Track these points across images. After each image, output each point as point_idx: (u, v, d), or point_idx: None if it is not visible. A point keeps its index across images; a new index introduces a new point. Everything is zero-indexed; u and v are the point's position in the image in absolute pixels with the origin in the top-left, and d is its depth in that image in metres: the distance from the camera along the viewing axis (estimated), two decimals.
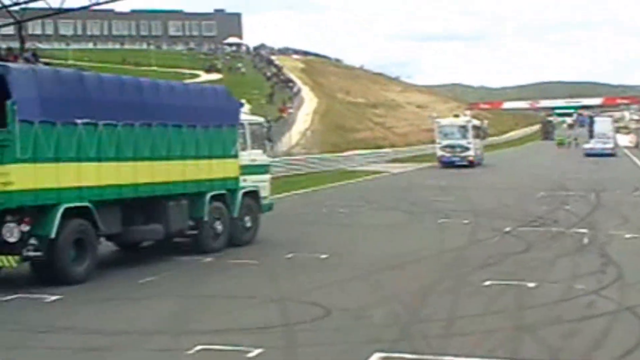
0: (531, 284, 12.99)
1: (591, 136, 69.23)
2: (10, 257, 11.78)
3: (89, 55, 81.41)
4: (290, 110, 73.38)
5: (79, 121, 12.68)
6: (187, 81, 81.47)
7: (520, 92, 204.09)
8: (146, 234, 14.85)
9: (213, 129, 15.94)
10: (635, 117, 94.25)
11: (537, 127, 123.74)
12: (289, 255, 16.23)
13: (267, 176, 18.53)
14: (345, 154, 54.88)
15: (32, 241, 11.90)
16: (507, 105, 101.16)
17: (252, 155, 17.59)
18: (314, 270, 14.71)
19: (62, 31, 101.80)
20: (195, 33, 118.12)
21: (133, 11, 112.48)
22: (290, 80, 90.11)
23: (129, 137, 13.70)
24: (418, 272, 14.61)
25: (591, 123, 74.47)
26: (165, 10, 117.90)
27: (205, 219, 15.65)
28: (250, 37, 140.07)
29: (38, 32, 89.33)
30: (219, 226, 16.19)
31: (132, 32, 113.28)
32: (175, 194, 14.95)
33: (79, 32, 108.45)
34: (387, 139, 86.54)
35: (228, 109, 16.64)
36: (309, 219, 23.19)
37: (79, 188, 12.70)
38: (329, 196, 30.84)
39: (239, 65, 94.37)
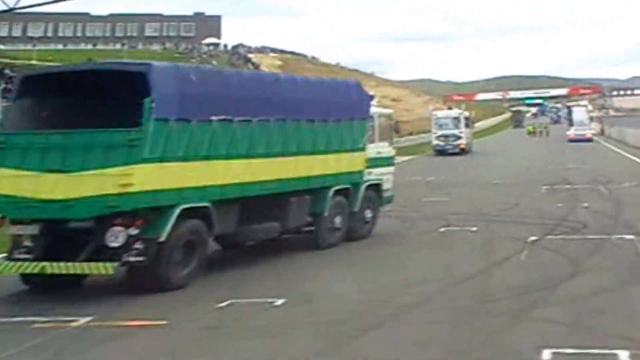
0: (624, 354, 7.29)
1: (571, 124, 68.34)
2: (107, 265, 10.16)
3: (54, 56, 75.27)
4: None
5: (214, 118, 11.54)
6: None
7: (484, 85, 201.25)
8: (260, 232, 13.33)
9: (344, 123, 14.68)
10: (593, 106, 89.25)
11: (504, 116, 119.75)
12: (222, 304, 10.07)
13: (391, 168, 17.10)
14: None
15: (137, 245, 10.44)
16: (480, 96, 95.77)
17: (378, 148, 16.27)
18: (256, 334, 8.74)
19: (30, 33, 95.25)
20: (172, 34, 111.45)
21: (110, 15, 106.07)
22: None
23: (262, 133, 12.56)
24: (420, 333, 8.60)
25: (570, 112, 73.51)
26: (144, 14, 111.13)
27: (326, 214, 14.27)
28: (229, 39, 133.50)
29: (3, 34, 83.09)
30: (338, 221, 14.64)
31: (107, 33, 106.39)
32: (299, 189, 13.57)
33: (50, 33, 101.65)
34: None
35: (359, 102, 15.40)
36: None
37: (202, 187, 11.42)
38: None
39: (214, 63, 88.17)
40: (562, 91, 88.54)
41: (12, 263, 10.72)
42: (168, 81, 10.93)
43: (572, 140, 60.33)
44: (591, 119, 73.06)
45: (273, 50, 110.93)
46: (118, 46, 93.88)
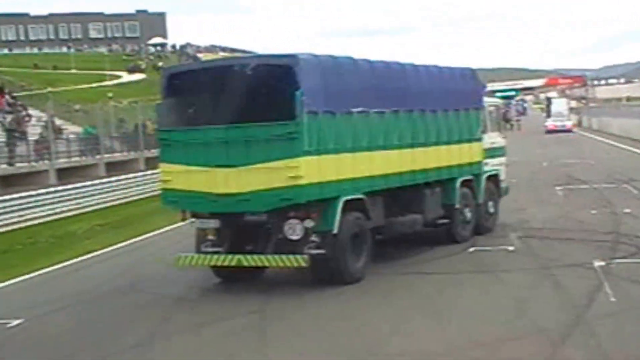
0: None
1: (548, 115, 66.10)
2: (299, 257, 10.26)
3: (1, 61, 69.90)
4: None
5: (354, 110, 11.14)
6: (110, 82, 73.99)
7: None
8: (406, 225, 12.66)
9: (462, 113, 13.96)
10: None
11: None
12: None
13: (504, 159, 16.10)
14: None
15: (314, 238, 10.47)
16: None
17: (491, 138, 15.37)
18: None
19: None
20: (117, 35, 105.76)
21: (51, 14, 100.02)
22: None
23: (394, 124, 12.05)
24: None
25: (549, 104, 70.10)
26: (85, 13, 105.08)
27: (457, 205, 13.68)
28: (176, 38, 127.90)
29: None
30: (468, 213, 14.03)
31: (50, 36, 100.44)
32: (431, 181, 13.06)
33: None
34: None
35: (474, 90, 14.75)
36: None
37: (355, 179, 11.14)
38: None
39: (160, 64, 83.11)
40: (540, 82, 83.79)
41: (202, 255, 11.06)
42: (314, 73, 10.59)
43: (550, 132, 57.82)
44: (570, 110, 70.42)
45: (223, 49, 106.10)
46: (64, 49, 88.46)
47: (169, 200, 11.18)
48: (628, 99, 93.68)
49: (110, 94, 56.97)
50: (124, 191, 26.08)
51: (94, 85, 68.18)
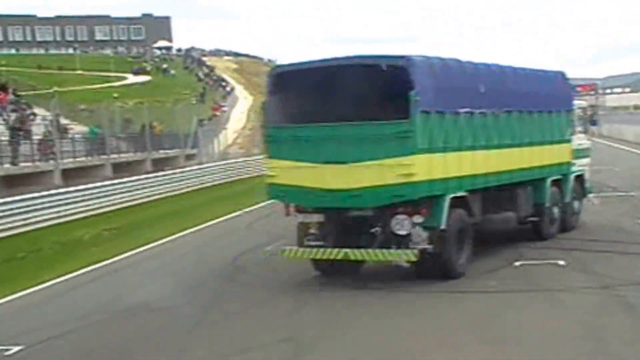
0: None
1: None
2: (408, 252, 10.41)
3: (7, 60, 68.81)
4: (225, 108, 62.26)
5: (460, 110, 11.29)
6: (116, 84, 72.98)
7: None
8: (500, 222, 13.10)
9: (554, 114, 14.03)
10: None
11: None
12: None
13: (588, 160, 16.43)
14: None
15: (420, 233, 10.59)
16: None
17: (578, 139, 15.52)
18: None
19: None
20: (123, 37, 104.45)
21: (58, 16, 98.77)
22: (223, 80, 78.56)
23: (494, 125, 12.15)
24: None
25: None
26: (92, 16, 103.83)
27: (547, 204, 13.80)
28: (180, 41, 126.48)
29: None
30: (555, 211, 14.08)
31: (57, 37, 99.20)
32: (524, 180, 13.13)
33: None
34: None
35: (564, 93, 14.78)
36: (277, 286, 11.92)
37: (459, 177, 11.32)
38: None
39: (165, 66, 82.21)
40: None
41: (308, 249, 11.16)
42: (426, 74, 10.72)
43: None
44: None
45: (227, 53, 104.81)
46: (70, 50, 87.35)
47: (275, 195, 11.47)
48: (636, 107, 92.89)
49: (115, 95, 55.89)
50: (132, 193, 24.84)
51: (100, 86, 67.10)
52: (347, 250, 10.69)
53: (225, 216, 19.92)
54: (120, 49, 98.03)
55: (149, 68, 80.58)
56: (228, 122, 58.05)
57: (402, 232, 10.54)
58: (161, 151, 34.58)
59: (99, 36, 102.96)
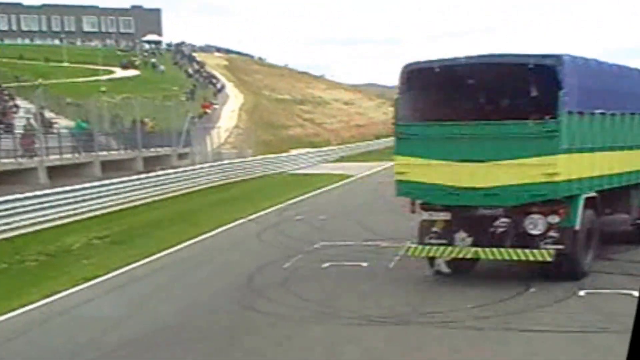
0: None
1: None
2: (544, 251, 10.40)
3: None
4: (215, 106, 60.36)
5: (596, 111, 11.44)
6: (103, 77, 70.84)
7: None
8: (615, 224, 12.81)
9: None
10: None
11: None
12: None
13: None
14: (288, 154, 41.52)
15: (553, 233, 10.63)
16: None
17: None
18: None
19: None
20: (111, 30, 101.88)
21: (45, 5, 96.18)
22: (214, 77, 76.63)
23: (621, 126, 12.28)
24: None
25: None
26: (79, 6, 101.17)
27: None
28: (170, 36, 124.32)
29: None
30: None
31: (42, 27, 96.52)
32: (637, 182, 13.18)
33: None
34: (320, 135, 74.77)
35: None
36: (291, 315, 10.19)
37: (592, 178, 11.46)
38: (307, 233, 17.48)
39: (153, 60, 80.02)
40: None
41: (435, 247, 10.98)
42: (573, 74, 10.67)
43: None
44: None
45: (218, 49, 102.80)
46: (57, 41, 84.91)
47: (404, 192, 11.29)
48: None
49: (103, 89, 53.86)
50: (123, 195, 22.95)
51: (87, 79, 64.98)
52: (478, 249, 10.58)
53: (228, 224, 18.17)
54: (109, 41, 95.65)
55: (137, 62, 78.43)
56: (219, 120, 56.19)
57: (536, 232, 10.52)
58: (152, 149, 32.69)
59: (86, 27, 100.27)
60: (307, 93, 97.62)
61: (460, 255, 10.72)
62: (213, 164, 30.45)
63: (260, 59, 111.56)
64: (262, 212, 19.85)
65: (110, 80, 68.19)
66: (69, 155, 27.44)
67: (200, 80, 72.13)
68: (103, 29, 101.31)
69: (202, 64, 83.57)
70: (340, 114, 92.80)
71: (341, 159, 46.72)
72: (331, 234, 15.52)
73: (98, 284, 12.01)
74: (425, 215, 11.15)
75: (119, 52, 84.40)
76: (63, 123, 32.49)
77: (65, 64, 72.34)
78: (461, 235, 10.77)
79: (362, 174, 33.52)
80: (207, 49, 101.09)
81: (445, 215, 11.00)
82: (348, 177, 31.49)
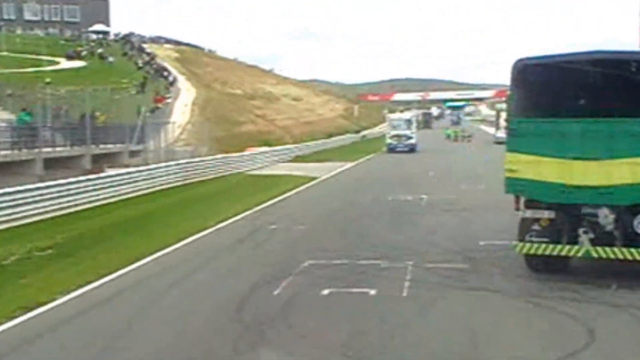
0: None
1: (497, 127, 69.60)
2: None
3: None
4: (168, 100, 57.59)
5: None
6: (47, 68, 67.18)
7: (375, 87, 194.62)
8: None
9: None
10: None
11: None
12: None
13: None
14: (244, 153, 39.04)
15: None
16: (398, 97, 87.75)
17: None
18: None
19: None
20: (55, 19, 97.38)
21: None
22: (165, 69, 73.50)
23: None
24: None
25: (498, 117, 72.86)
26: None
27: None
28: (118, 27, 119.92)
29: None
30: None
31: None
32: None
33: None
34: (273, 132, 72.35)
35: None
36: None
37: None
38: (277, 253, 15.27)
39: (100, 51, 76.51)
40: (489, 93, 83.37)
41: (542, 245, 10.83)
42: None
43: (499, 142, 60.67)
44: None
45: (168, 41, 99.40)
46: None
47: (514, 189, 11.21)
48: None
49: (48, 80, 50.55)
50: (70, 198, 20.27)
51: (29, 70, 61.40)
52: (589, 247, 10.45)
53: (192, 235, 15.51)
54: (52, 30, 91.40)
55: (84, 53, 74.80)
56: (171, 115, 53.40)
57: None
58: (102, 146, 29.91)
59: (28, 15, 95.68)
60: (257, 87, 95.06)
61: (571, 254, 10.59)
62: (169, 163, 27.85)
63: (210, 51, 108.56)
64: (230, 220, 17.46)
65: (55, 71, 64.68)
66: (7, 152, 24.59)
67: (151, 73, 68.96)
68: (46, 18, 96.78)
69: (152, 56, 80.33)
70: (290, 110, 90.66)
71: (298, 159, 44.40)
72: (317, 249, 13.24)
73: (36, 317, 9.47)
74: (529, 214, 10.97)
75: (63, 42, 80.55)
76: (4, 116, 29.58)
77: (5, 53, 68.48)
78: (582, 234, 10.54)
79: (325, 175, 31.25)
80: (156, 40, 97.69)
81: (549, 214, 10.87)
82: (312, 179, 29.17)
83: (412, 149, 52.46)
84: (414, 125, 57.13)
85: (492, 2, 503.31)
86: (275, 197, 22.40)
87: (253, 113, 77.50)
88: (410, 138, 54.27)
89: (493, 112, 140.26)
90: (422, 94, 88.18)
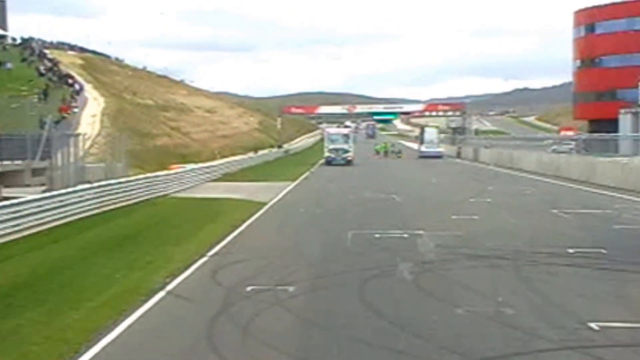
0: None
1: (422, 142, 72.71)
2: None
3: None
4: (75, 110, 51.21)
5: None
6: None
7: (285, 101, 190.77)
8: None
9: None
10: (453, 125, 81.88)
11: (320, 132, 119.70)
12: None
13: None
14: (172, 171, 33.46)
15: None
16: (324, 109, 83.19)
17: None
18: None
19: None
20: None
21: None
22: (70, 76, 66.59)
23: None
24: None
25: (422, 132, 75.22)
26: None
27: None
28: (19, 31, 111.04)
29: None
30: None
31: None
32: None
33: None
34: (189, 146, 66.82)
35: None
36: None
37: None
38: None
39: None
40: (418, 106, 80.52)
41: None
42: None
43: (423, 156, 66.01)
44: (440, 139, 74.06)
45: (72, 47, 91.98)
46: None
47: None
48: (476, 132, 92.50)
49: None
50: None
51: None
52: None
53: (127, 307, 10.02)
54: None
55: None
56: (79, 126, 47.16)
57: None
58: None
59: None
60: (169, 98, 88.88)
61: None
62: (85, 186, 22.16)
63: (117, 59, 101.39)
64: (181, 277, 12.17)
65: None
66: None
67: (54, 80, 62.03)
68: None
69: (55, 62, 73.09)
70: (205, 123, 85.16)
71: (228, 177, 39.04)
72: (334, 337, 8.36)
73: None
74: None
75: None
76: None
77: None
78: None
79: (273, 198, 26.22)
80: (59, 46, 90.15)
81: None
82: (260, 204, 24.08)
83: (348, 162, 53.94)
84: (351, 139, 58.19)
85: (405, 17, 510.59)
86: (227, 232, 17.22)
87: (167, 125, 71.55)
88: (347, 152, 55.71)
89: (408, 127, 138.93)
90: (348, 106, 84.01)
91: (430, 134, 72.69)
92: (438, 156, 65.87)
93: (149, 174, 30.06)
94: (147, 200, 25.82)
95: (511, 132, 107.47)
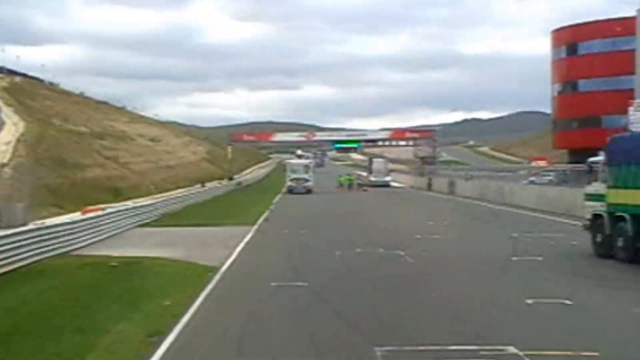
0: None
1: (370, 172, 73.74)
2: None
3: None
4: None
5: None
6: None
7: (234, 130, 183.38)
8: None
9: None
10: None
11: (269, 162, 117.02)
12: None
13: None
14: (87, 215, 24.17)
15: None
16: (280, 137, 74.90)
17: None
18: None
19: None
20: None
21: None
22: None
23: None
24: None
25: (370, 162, 76.48)
26: None
27: None
28: None
29: None
30: None
31: None
32: None
33: None
34: (126, 178, 57.54)
35: None
36: None
37: None
38: None
39: None
40: (384, 134, 74.40)
41: None
42: None
43: (374, 185, 67.22)
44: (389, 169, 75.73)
45: (0, 69, 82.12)
46: None
47: None
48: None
49: None
50: None
51: None
52: None
53: None
54: None
55: None
56: None
57: None
58: None
59: None
60: (107, 125, 79.19)
61: None
62: None
63: (51, 83, 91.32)
64: None
65: None
66: None
67: None
68: None
69: None
70: (147, 152, 75.80)
71: (168, 220, 29.70)
72: None
73: None
74: None
75: None
76: None
77: None
78: None
79: (225, 258, 17.24)
80: None
81: None
82: (206, 270, 15.26)
83: (308, 191, 56.17)
84: (311, 169, 60.54)
85: (354, 47, 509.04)
86: (152, 331, 8.40)
87: (101, 154, 62.11)
88: (307, 181, 57.74)
89: (362, 157, 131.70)
90: (306, 133, 76.08)
91: (379, 163, 75.11)
92: (386, 185, 68.90)
93: (48, 222, 20.87)
94: (35, 263, 16.77)
95: (470, 162, 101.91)
